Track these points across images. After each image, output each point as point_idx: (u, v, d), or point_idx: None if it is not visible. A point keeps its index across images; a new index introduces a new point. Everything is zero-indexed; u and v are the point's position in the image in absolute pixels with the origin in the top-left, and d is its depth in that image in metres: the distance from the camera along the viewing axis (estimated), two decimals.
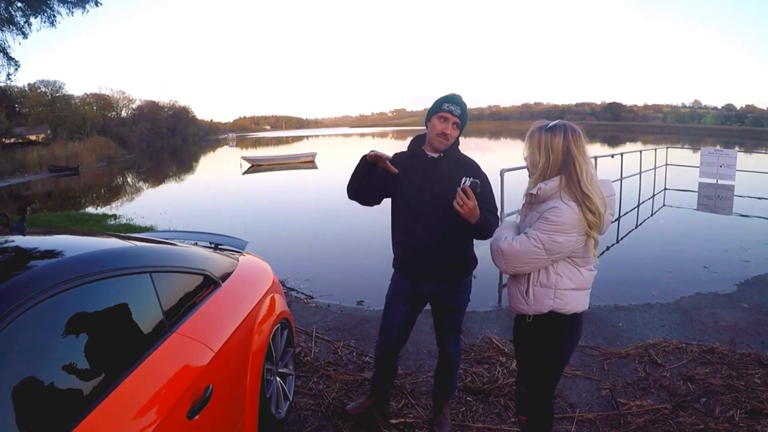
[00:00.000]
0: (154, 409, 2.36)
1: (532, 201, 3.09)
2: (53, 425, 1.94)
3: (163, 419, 2.35)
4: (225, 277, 3.73)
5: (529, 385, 3.30)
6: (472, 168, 3.82)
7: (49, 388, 2.00)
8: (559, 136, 2.95)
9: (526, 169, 3.21)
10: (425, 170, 3.78)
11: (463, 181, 3.46)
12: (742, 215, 15.15)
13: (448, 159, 3.79)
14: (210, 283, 3.48)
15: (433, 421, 4.35)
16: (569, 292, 3.03)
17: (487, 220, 3.57)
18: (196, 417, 2.59)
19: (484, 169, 3.84)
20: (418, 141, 3.92)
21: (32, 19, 26.55)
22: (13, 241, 2.71)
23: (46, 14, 26.21)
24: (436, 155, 3.79)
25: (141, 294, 2.73)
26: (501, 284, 7.74)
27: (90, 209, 21.53)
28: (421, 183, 3.77)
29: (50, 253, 2.56)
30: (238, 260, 4.24)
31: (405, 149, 4.00)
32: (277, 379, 4.16)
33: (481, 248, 3.83)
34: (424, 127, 3.91)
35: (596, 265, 3.13)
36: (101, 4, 26.52)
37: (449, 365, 4.23)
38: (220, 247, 4.63)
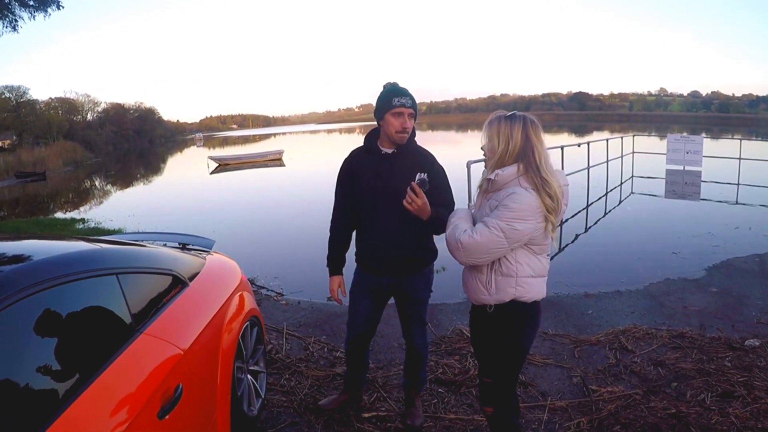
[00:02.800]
0: (124, 410, 2.35)
1: (489, 188, 3.11)
2: (22, 429, 1.92)
3: (134, 420, 2.34)
4: (192, 276, 3.71)
5: (492, 376, 3.32)
6: (427, 161, 3.83)
7: (18, 392, 1.98)
8: (518, 124, 2.99)
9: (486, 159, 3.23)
10: (378, 167, 3.80)
11: (417, 176, 3.48)
12: (709, 201, 15.31)
13: (403, 154, 3.78)
14: (177, 283, 3.46)
15: (405, 414, 4.35)
16: (530, 279, 3.05)
17: (440, 216, 3.55)
18: (167, 417, 2.57)
19: (451, 163, 3.84)
20: (373, 137, 3.90)
21: None
22: None
23: (7, 19, 25.72)
24: (389, 151, 3.79)
25: (107, 296, 2.71)
26: None
27: (58, 214, 21.22)
28: (375, 179, 3.78)
29: (17, 258, 2.52)
30: (205, 259, 4.21)
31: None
32: (249, 376, 4.15)
33: (442, 242, 3.85)
34: None
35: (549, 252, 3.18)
36: (63, 7, 26.06)
37: (417, 356, 4.24)
38: (187, 247, 4.60)
